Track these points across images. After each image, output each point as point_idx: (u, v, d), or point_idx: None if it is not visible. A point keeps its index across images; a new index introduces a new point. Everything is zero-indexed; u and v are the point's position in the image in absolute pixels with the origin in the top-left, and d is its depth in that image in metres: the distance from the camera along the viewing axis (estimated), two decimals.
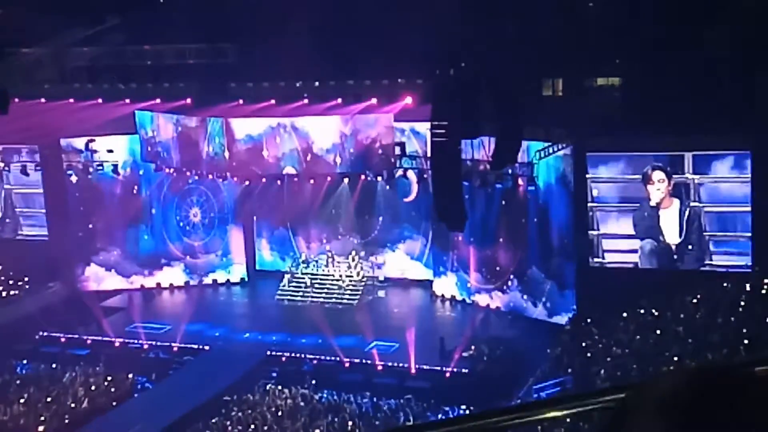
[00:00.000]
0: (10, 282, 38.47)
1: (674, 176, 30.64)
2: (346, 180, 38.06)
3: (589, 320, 29.43)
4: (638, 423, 1.44)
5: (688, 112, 27.65)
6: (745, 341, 24.05)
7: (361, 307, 36.65)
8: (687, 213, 30.73)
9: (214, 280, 40.94)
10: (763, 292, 26.82)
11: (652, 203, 31.18)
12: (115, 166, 39.36)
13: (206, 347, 33.55)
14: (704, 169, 30.44)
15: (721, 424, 1.38)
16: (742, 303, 26.50)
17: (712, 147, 30.05)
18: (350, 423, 27.57)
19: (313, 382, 30.28)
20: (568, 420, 20.97)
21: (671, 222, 31.04)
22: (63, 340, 34.61)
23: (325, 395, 29.71)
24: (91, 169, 39.27)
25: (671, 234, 31.13)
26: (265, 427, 27.63)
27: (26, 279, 38.45)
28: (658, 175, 30.85)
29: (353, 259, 38.39)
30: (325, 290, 38.03)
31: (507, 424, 2.10)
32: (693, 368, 1.50)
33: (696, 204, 30.66)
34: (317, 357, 31.76)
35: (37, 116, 36.93)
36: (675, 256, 31.23)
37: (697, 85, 27.64)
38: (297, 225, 40.52)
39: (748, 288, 27.27)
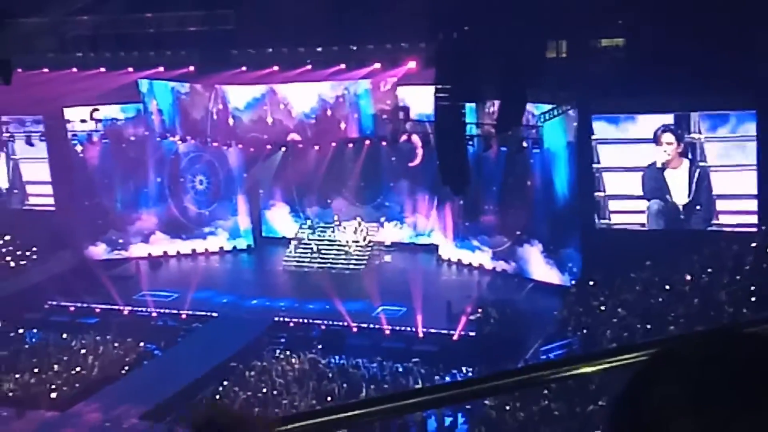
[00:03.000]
0: (18, 252, 38.60)
1: (683, 137, 30.56)
2: (350, 145, 38.01)
3: (595, 281, 29.47)
4: (666, 385, 1.35)
5: (693, 72, 27.51)
6: (751, 300, 24.11)
7: (368, 272, 36.73)
8: (696, 173, 30.66)
9: (221, 248, 41.03)
10: None
11: (661, 164, 31.11)
12: (119, 135, 39.34)
13: (214, 314, 33.69)
14: (711, 128, 30.35)
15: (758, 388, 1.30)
16: (748, 262, 26.53)
17: (718, 107, 29.95)
18: (359, 387, 27.73)
19: (321, 347, 30.43)
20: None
21: (680, 182, 30.98)
22: (72, 309, 34.76)
23: (333, 360, 29.87)
24: (95, 139, 39.26)
25: (679, 194, 31.08)
26: (274, 392, 27.81)
27: (34, 249, 38.57)
28: (667, 137, 30.74)
29: (359, 225, 38.44)
30: (332, 256, 38.12)
31: (513, 386, 2.11)
32: (724, 329, 1.42)
33: (704, 164, 30.59)
34: (325, 322, 31.90)
35: (40, 86, 36.83)
36: (682, 217, 31.22)
37: (701, 45, 27.47)
38: (302, 191, 40.53)
39: (754, 247, 27.29)
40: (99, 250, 40.15)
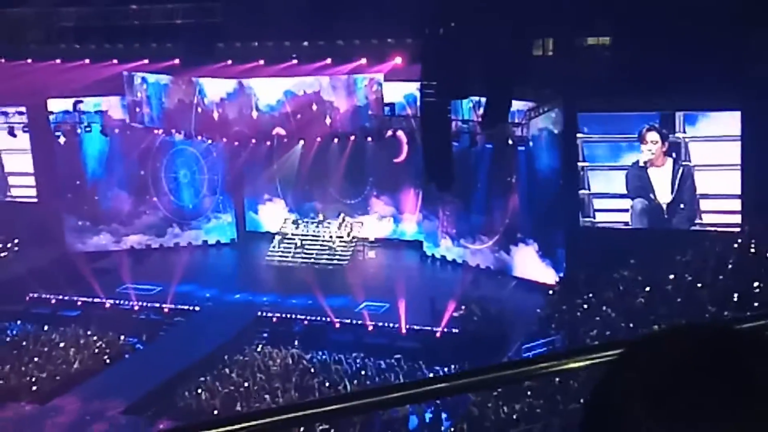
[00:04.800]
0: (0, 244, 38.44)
1: (668, 136, 30.66)
2: (335, 140, 37.94)
3: (578, 279, 29.54)
4: (636, 382, 1.31)
5: (678, 71, 27.59)
6: (734, 300, 24.20)
7: (352, 268, 36.70)
8: (680, 172, 30.77)
9: (204, 241, 40.91)
10: (752, 251, 26.94)
11: (645, 163, 31.20)
12: (104, 127, 39.16)
13: (197, 308, 33.62)
14: (695, 128, 30.46)
15: (733, 382, 1.27)
16: (731, 262, 26.63)
17: (703, 106, 30.03)
18: (341, 383, 27.72)
19: (303, 342, 30.38)
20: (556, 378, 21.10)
21: (664, 181, 31.09)
22: (53, 301, 34.61)
23: (315, 355, 29.84)
24: (79, 130, 39.07)
25: (663, 193, 31.19)
26: (256, 387, 27.76)
27: (16, 241, 38.39)
28: (652, 135, 30.83)
29: (343, 220, 38.39)
30: (316, 251, 38.05)
31: (495, 382, 2.09)
32: (694, 325, 1.37)
33: (687, 163, 30.70)
34: (308, 317, 31.87)
35: (24, 77, 36.71)
36: (666, 216, 31.32)
37: (687, 45, 27.56)
38: (287, 186, 40.43)
39: (737, 247, 27.39)
40: (81, 242, 39.97)
